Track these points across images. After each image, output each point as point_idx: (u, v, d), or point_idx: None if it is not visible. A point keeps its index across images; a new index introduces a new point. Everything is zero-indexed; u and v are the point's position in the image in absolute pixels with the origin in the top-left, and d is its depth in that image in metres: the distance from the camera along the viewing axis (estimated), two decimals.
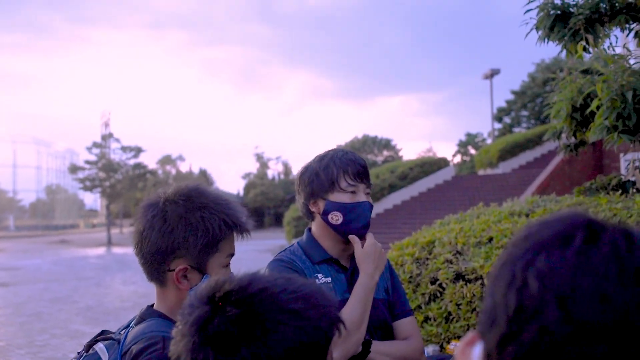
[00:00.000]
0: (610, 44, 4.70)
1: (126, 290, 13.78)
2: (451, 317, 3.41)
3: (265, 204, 54.32)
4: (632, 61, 4.50)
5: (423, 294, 3.57)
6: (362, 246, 2.02)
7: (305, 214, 2.15)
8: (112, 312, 10.76)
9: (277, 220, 48.18)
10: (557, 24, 4.58)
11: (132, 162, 40.65)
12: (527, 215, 4.14)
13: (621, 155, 8.05)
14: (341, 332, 1.01)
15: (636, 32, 4.73)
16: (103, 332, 1.56)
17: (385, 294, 2.15)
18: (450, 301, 3.41)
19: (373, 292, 1.98)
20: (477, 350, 0.62)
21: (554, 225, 0.61)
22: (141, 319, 1.51)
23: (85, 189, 40.15)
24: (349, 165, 2.05)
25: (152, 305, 1.56)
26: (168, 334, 1.06)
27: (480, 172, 24.74)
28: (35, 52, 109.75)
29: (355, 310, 1.89)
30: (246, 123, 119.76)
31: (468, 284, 3.40)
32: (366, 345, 1.88)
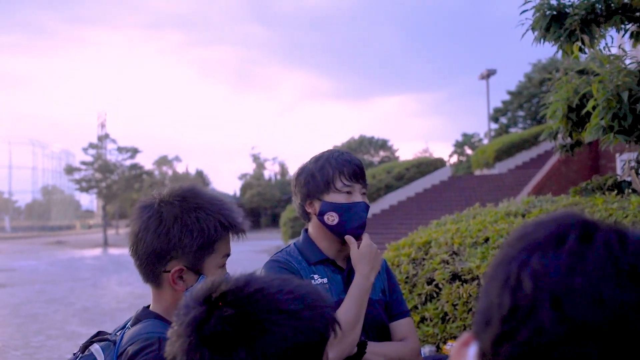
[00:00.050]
0: (606, 44, 4.71)
1: (122, 291, 13.76)
2: (447, 318, 3.42)
3: (262, 205, 54.32)
4: (627, 61, 4.52)
5: (419, 295, 3.57)
6: (359, 247, 2.02)
7: (302, 215, 2.16)
8: (108, 313, 10.74)
9: (274, 221, 48.22)
10: (553, 24, 4.58)
11: (128, 162, 40.58)
12: (523, 216, 4.15)
13: (617, 155, 8.08)
14: (337, 332, 1.01)
15: (632, 33, 4.74)
16: (99, 333, 1.56)
17: (382, 295, 2.15)
18: (447, 301, 3.41)
19: (368, 293, 1.98)
20: (473, 350, 0.62)
21: (548, 225, 0.61)
22: (137, 320, 1.51)
23: (82, 189, 40.04)
24: (344, 166, 2.05)
25: (148, 306, 1.56)
26: (164, 335, 1.06)
27: (477, 173, 24.78)
28: (31, 53, 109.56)
29: (350, 311, 1.89)
30: (243, 124, 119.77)
31: (464, 284, 3.41)
32: (361, 346, 1.88)
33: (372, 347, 1.93)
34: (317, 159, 2.11)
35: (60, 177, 58.74)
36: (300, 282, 1.05)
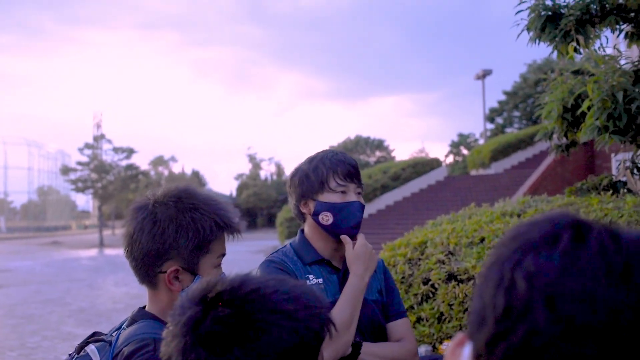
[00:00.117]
0: (601, 44, 4.73)
1: (118, 292, 13.74)
2: (443, 318, 3.42)
3: (258, 205, 54.30)
4: (622, 62, 4.53)
5: (415, 295, 3.57)
6: (354, 247, 2.03)
7: (297, 216, 2.16)
8: (104, 314, 10.72)
9: (270, 221, 48.14)
10: (548, 24, 4.59)
11: (124, 163, 40.49)
12: (518, 216, 4.16)
13: (612, 155, 8.10)
14: (332, 333, 1.02)
15: (626, 33, 4.75)
16: (95, 333, 1.55)
17: (378, 295, 2.15)
18: (443, 301, 3.42)
19: (363, 293, 1.98)
20: (467, 350, 0.63)
21: (541, 225, 0.61)
22: (133, 320, 1.51)
23: (77, 190, 39.95)
24: (338, 166, 2.05)
25: (144, 307, 1.56)
26: (159, 335, 1.06)
27: (473, 173, 24.82)
28: (26, 53, 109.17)
29: (344, 311, 1.89)
30: (239, 124, 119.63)
31: (460, 284, 3.41)
32: (356, 347, 1.88)
33: (367, 347, 1.93)
34: (311, 160, 2.11)
35: (56, 178, 58.61)
36: (295, 283, 1.05)
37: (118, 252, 27.04)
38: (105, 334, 1.54)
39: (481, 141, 42.58)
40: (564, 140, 5.28)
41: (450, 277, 3.51)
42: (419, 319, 3.51)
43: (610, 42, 4.82)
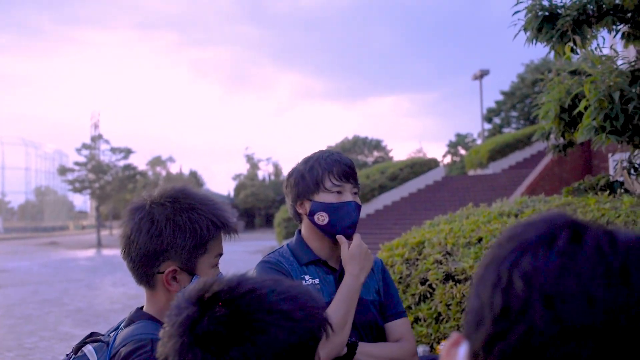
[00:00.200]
0: (598, 45, 4.73)
1: (116, 292, 13.73)
2: (441, 318, 3.42)
3: (256, 205, 54.30)
4: (619, 62, 4.53)
5: (413, 295, 3.58)
6: (349, 247, 2.02)
7: (294, 216, 2.16)
8: (101, 314, 10.71)
9: (268, 221, 48.21)
10: (545, 25, 4.60)
11: (121, 163, 40.43)
12: (516, 216, 4.16)
13: (609, 155, 8.11)
14: (328, 333, 1.02)
15: (623, 33, 4.76)
16: (92, 334, 1.55)
17: (376, 295, 2.14)
18: (440, 302, 3.42)
19: (358, 293, 1.97)
20: (463, 350, 0.63)
21: (538, 226, 0.61)
22: (130, 321, 1.51)
23: (75, 190, 39.88)
24: (333, 166, 2.05)
25: (142, 307, 1.56)
26: (157, 336, 1.06)
27: (470, 173, 24.82)
28: (23, 53, 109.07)
29: (338, 311, 1.88)
30: (236, 124, 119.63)
31: (458, 284, 3.42)
32: (351, 347, 1.87)
33: (363, 347, 1.92)
34: (307, 160, 2.11)
35: (54, 178, 58.58)
36: (292, 283, 1.05)
37: (115, 253, 26.99)
38: (103, 335, 1.54)
39: (479, 141, 42.61)
40: (561, 140, 5.29)
41: (448, 277, 3.51)
42: (416, 319, 3.51)
43: (607, 42, 4.82)
